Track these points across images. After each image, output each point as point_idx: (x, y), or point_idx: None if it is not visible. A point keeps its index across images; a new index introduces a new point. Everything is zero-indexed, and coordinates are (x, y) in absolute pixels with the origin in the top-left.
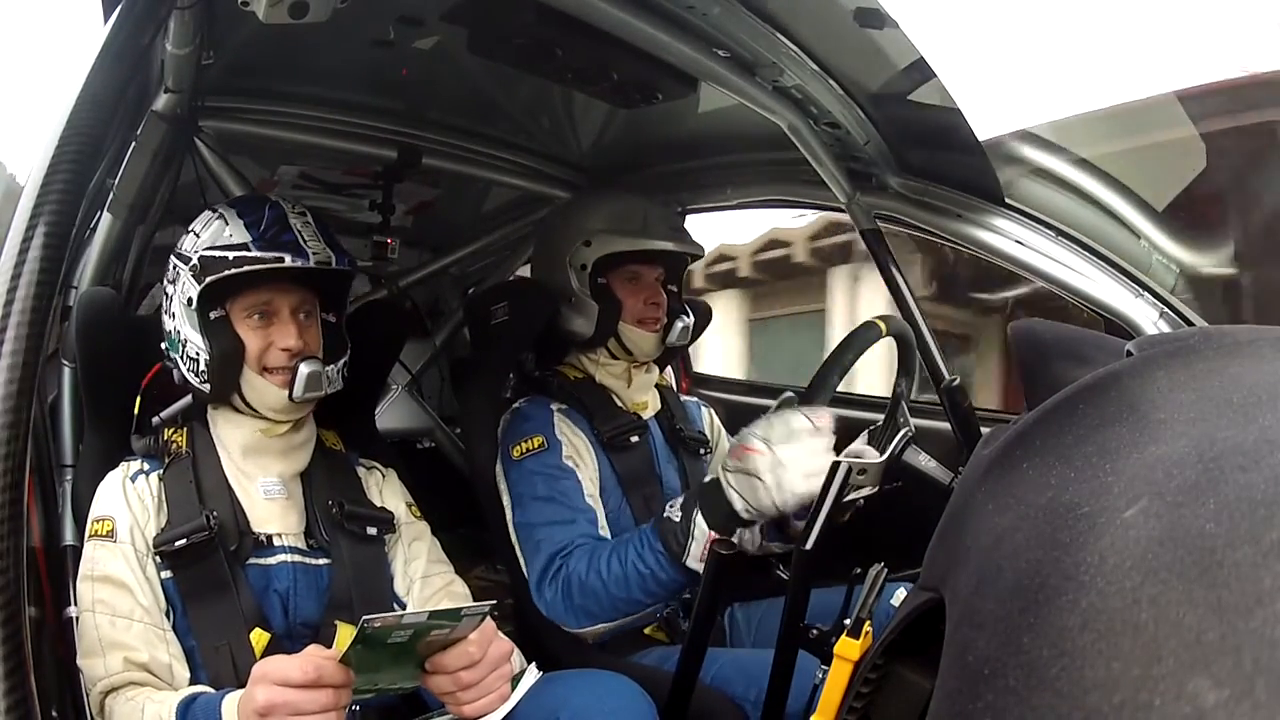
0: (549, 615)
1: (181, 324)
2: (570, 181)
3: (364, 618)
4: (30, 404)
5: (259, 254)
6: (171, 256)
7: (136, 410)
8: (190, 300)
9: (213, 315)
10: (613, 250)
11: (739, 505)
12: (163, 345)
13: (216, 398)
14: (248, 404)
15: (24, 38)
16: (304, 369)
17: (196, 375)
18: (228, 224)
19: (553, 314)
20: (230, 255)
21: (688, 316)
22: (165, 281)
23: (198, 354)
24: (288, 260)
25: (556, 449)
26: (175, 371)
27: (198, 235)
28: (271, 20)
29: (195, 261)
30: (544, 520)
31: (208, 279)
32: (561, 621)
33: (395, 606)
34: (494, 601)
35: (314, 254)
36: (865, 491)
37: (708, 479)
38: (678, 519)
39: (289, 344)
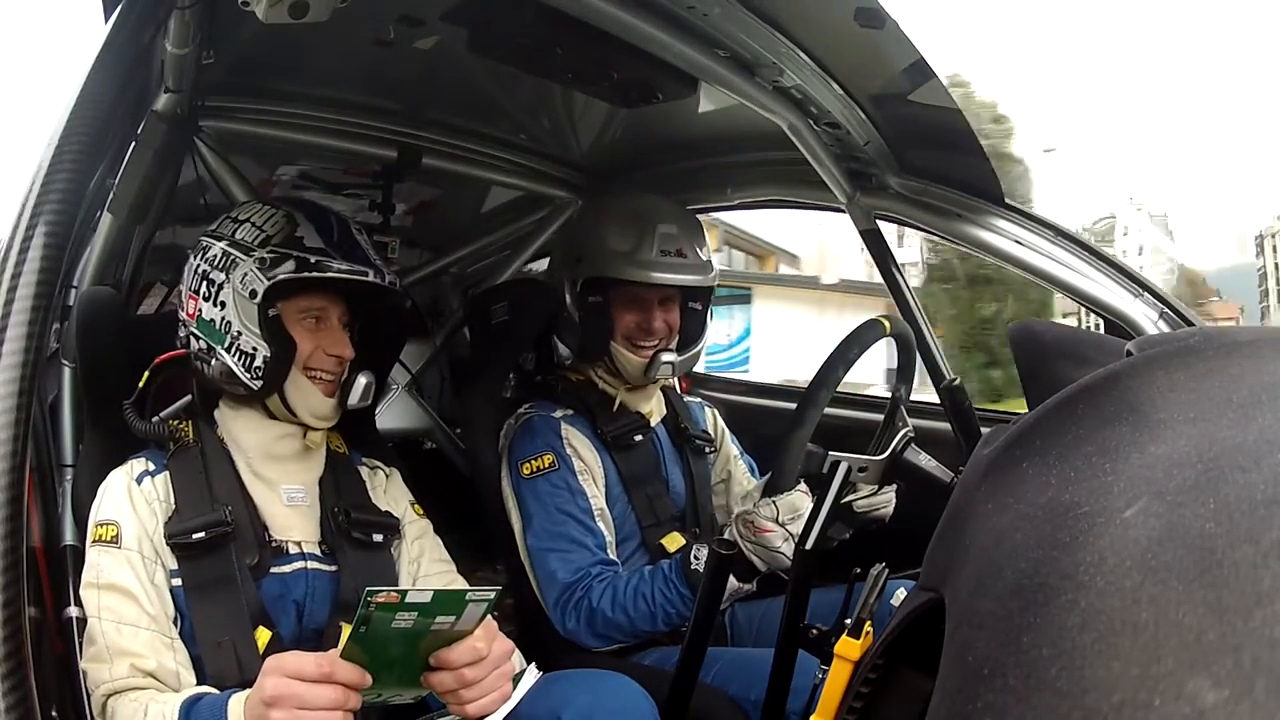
0: (568, 638)
1: (234, 315)
2: (570, 181)
3: (367, 589)
4: (30, 404)
5: (345, 264)
6: (215, 242)
7: (142, 383)
8: (254, 293)
9: (270, 312)
10: (596, 274)
11: (761, 566)
12: (183, 332)
13: (262, 395)
14: (287, 406)
15: (24, 38)
16: (362, 380)
17: (247, 371)
18: (297, 224)
19: (552, 323)
20: (311, 258)
21: (678, 351)
22: (208, 268)
23: (254, 349)
24: (370, 276)
25: (567, 466)
26: (212, 363)
27: (259, 227)
28: (271, 20)
29: (263, 255)
30: (556, 546)
31: (280, 275)
32: (582, 644)
33: None
34: (500, 588)
35: (387, 274)
36: (879, 499)
37: (725, 536)
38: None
39: (342, 352)
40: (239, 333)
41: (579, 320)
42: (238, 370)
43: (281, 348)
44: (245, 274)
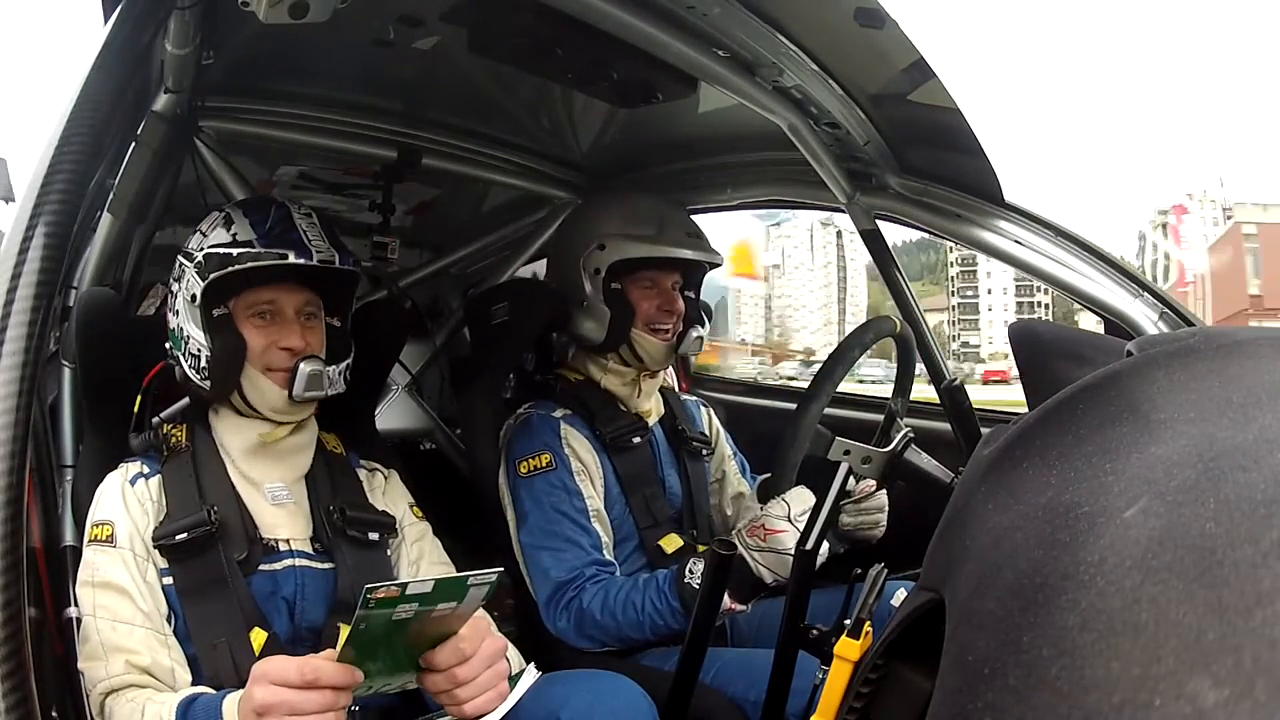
0: (558, 636)
1: (184, 321)
2: (570, 181)
3: (366, 586)
4: (30, 404)
5: (263, 250)
6: (178, 255)
7: (136, 409)
8: (194, 297)
9: (216, 313)
10: (627, 256)
11: (769, 578)
12: (167, 344)
13: (217, 396)
14: (249, 404)
15: (24, 38)
16: (304, 367)
17: (198, 373)
18: (233, 223)
19: (562, 316)
20: (234, 252)
21: (703, 325)
22: (170, 280)
23: (199, 351)
24: (291, 257)
25: (564, 466)
26: (177, 369)
27: (204, 234)
28: (271, 20)
29: (200, 259)
30: (550, 545)
31: (211, 275)
32: (570, 643)
33: None
34: (501, 569)
35: (318, 252)
36: (869, 519)
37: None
38: (699, 585)
39: (292, 343)
40: (189, 337)
41: (605, 304)
42: (191, 373)
43: (226, 347)
44: (187, 280)
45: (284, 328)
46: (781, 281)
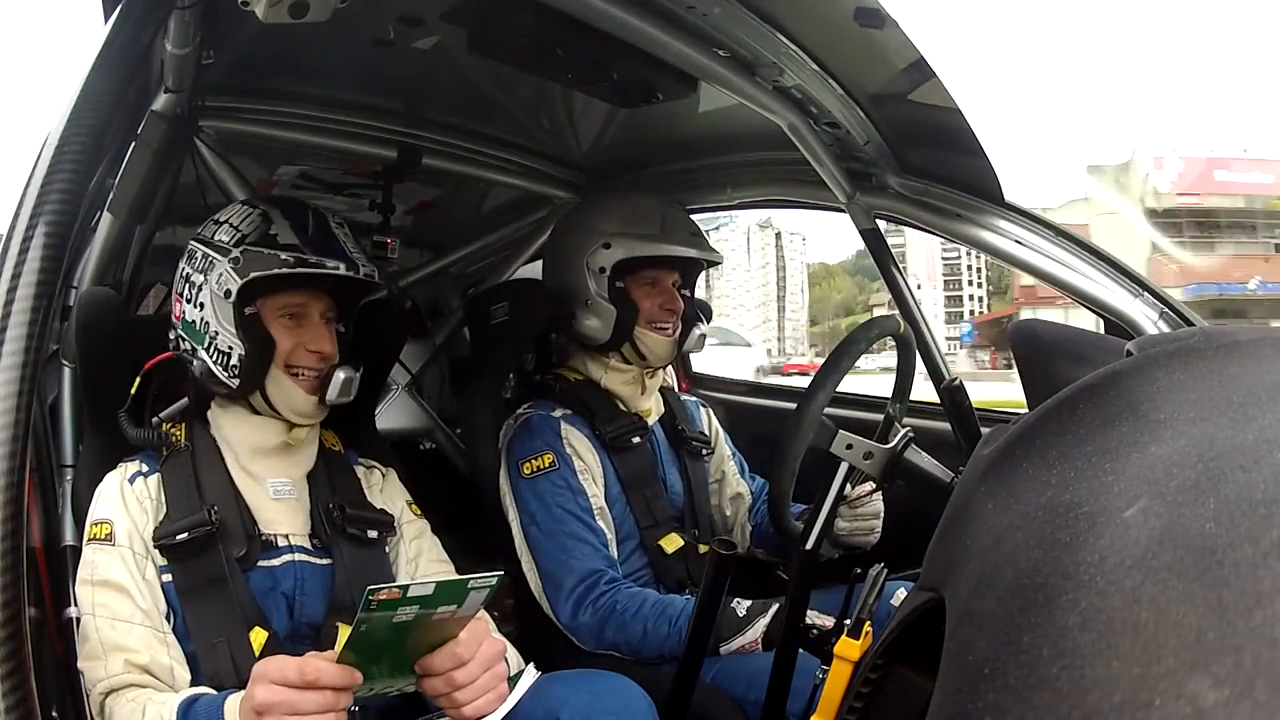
0: (573, 631)
1: (212, 315)
2: (570, 181)
3: (368, 587)
4: (30, 404)
5: (315, 258)
6: (198, 245)
7: (134, 390)
8: (229, 293)
9: (247, 311)
10: (634, 255)
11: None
12: (172, 334)
13: (242, 394)
14: (269, 404)
15: (24, 38)
16: (340, 374)
17: (225, 370)
18: (271, 221)
19: (565, 315)
20: (281, 254)
21: (703, 323)
22: (190, 270)
23: (230, 348)
24: (343, 269)
25: (567, 465)
26: (195, 364)
27: (235, 228)
28: (271, 20)
29: (238, 254)
30: (561, 544)
31: (253, 274)
32: (582, 641)
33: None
34: (501, 572)
35: (362, 266)
36: (864, 524)
37: (774, 609)
38: (740, 615)
39: (323, 348)
40: (216, 332)
41: (610, 303)
42: (216, 370)
43: (257, 346)
44: (220, 274)
45: (310, 330)
46: (720, 283)
